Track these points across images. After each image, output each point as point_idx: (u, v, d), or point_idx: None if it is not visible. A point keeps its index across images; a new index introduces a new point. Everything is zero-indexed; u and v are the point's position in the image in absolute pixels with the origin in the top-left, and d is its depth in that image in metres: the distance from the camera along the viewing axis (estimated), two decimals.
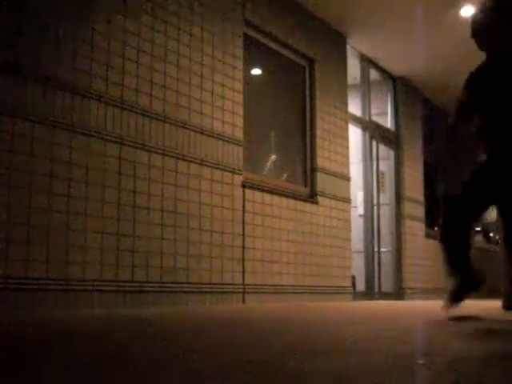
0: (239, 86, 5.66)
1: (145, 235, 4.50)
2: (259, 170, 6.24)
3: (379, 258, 8.09)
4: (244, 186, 5.56)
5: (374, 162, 8.23)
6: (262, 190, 5.82)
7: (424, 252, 9.06)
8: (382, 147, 8.51)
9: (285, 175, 6.58)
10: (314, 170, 6.71)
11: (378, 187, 8.26)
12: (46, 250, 3.82)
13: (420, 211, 9.18)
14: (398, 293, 8.37)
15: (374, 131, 8.29)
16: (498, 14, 2.87)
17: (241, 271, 5.40)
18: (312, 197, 6.64)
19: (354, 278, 7.47)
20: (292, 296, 6.02)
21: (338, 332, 2.66)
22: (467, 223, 3.11)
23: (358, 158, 8.07)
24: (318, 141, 6.78)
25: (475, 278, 3.09)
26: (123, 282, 4.30)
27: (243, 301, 5.39)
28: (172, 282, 4.67)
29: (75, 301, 3.96)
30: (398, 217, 8.65)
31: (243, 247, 5.46)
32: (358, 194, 8.08)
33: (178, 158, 4.86)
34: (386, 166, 8.70)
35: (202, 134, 5.14)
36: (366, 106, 8.21)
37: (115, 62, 4.47)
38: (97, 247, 4.15)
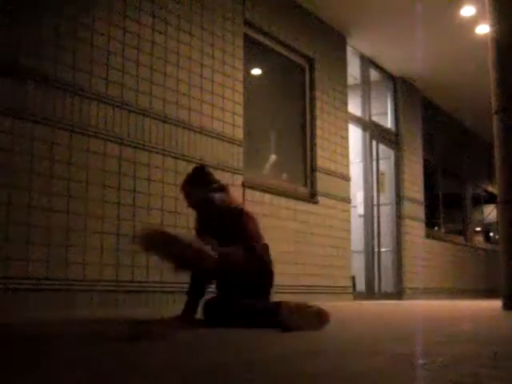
0: (239, 86, 5.66)
1: None
2: (259, 169, 6.24)
3: (379, 257, 8.09)
4: (244, 186, 5.56)
5: (374, 162, 8.23)
6: (262, 190, 5.82)
7: (424, 252, 9.07)
8: (382, 147, 8.51)
9: (285, 175, 6.58)
10: (313, 169, 6.71)
11: (377, 187, 8.26)
12: (46, 250, 3.82)
13: (420, 211, 9.18)
14: (398, 293, 8.37)
15: (373, 131, 8.29)
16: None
17: None
18: (312, 197, 6.64)
19: (353, 278, 7.47)
20: (292, 296, 6.01)
21: (338, 332, 2.66)
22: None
23: (358, 158, 8.07)
24: (318, 141, 6.78)
25: None
26: (123, 281, 4.30)
27: None
28: (172, 282, 4.67)
29: (75, 301, 3.96)
30: (398, 217, 8.65)
31: None
32: (357, 194, 8.08)
33: (177, 158, 4.86)
34: (386, 165, 8.70)
35: (201, 133, 5.14)
36: (366, 105, 8.21)
37: (115, 62, 4.47)
38: (97, 247, 4.15)
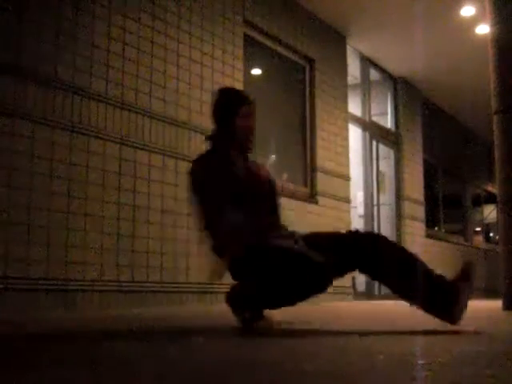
0: (239, 86, 5.65)
1: (145, 235, 4.50)
2: None
3: None
4: None
5: (374, 162, 8.23)
6: None
7: (424, 252, 9.06)
8: (382, 147, 8.51)
9: (285, 175, 6.57)
10: (313, 169, 6.71)
11: (378, 187, 8.26)
12: (46, 250, 3.82)
13: (420, 211, 9.18)
14: None
15: (373, 131, 8.29)
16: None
17: None
18: (312, 197, 6.63)
19: (354, 278, 7.46)
20: None
21: (339, 332, 2.65)
22: None
23: (358, 158, 8.07)
24: (318, 141, 6.78)
25: None
26: (123, 282, 4.30)
27: None
28: (172, 282, 4.67)
29: (75, 301, 3.96)
30: (398, 217, 8.65)
31: None
32: (358, 194, 8.08)
33: (177, 158, 4.86)
34: (386, 165, 8.70)
35: (202, 133, 5.13)
36: (366, 106, 8.21)
37: (115, 61, 4.47)
38: (97, 247, 4.15)
